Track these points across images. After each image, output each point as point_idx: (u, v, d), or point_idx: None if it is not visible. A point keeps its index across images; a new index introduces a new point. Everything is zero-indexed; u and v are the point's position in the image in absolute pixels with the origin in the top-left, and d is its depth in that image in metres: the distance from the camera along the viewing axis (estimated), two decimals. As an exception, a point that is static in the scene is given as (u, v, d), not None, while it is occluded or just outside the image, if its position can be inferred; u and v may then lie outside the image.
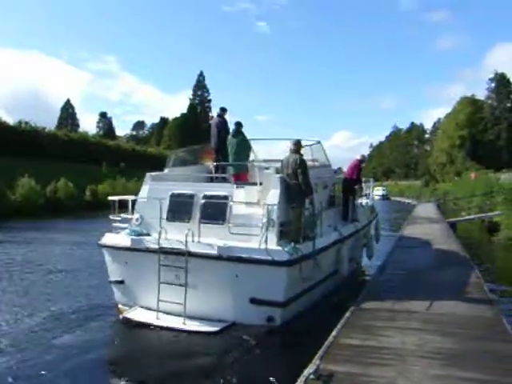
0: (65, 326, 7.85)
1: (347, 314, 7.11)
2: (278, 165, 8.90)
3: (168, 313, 7.82)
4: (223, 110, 10.28)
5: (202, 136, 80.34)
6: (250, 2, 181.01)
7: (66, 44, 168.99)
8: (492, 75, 72.19)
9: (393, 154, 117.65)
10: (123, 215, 9.00)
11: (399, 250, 13.89)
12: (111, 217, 8.94)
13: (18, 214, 27.78)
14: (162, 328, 7.56)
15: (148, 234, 8.54)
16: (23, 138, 41.61)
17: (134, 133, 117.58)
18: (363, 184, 13.74)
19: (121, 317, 8.17)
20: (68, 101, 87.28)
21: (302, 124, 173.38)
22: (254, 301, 7.46)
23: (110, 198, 9.24)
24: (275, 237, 7.73)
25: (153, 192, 8.99)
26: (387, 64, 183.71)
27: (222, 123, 10.10)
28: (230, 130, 10.00)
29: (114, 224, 8.87)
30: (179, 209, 8.75)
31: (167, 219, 8.57)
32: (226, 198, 8.43)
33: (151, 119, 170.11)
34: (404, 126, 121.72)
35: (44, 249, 16.33)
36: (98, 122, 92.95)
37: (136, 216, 8.93)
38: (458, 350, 5.52)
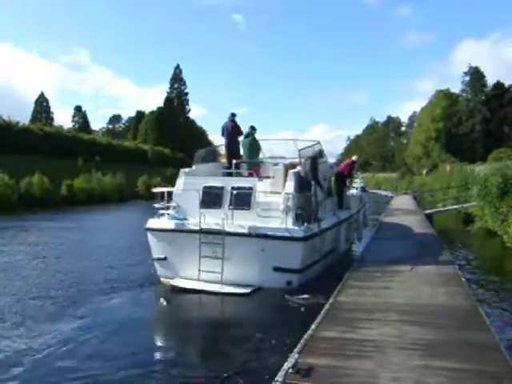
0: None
1: (326, 307, 7.10)
2: (284, 161, 11.13)
3: (206, 281, 9.54)
4: (233, 115, 11.83)
5: (179, 129, 79.88)
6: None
7: (35, 37, 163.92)
8: (466, 69, 73.03)
9: (369, 147, 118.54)
10: (166, 203, 10.79)
11: (376, 242, 14.02)
12: (157, 205, 10.70)
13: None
14: (204, 292, 9.30)
15: (184, 219, 10.21)
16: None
17: (111, 127, 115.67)
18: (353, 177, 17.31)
19: (169, 284, 9.85)
20: (42, 94, 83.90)
21: (279, 117, 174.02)
22: (276, 269, 9.29)
23: (154, 189, 11.34)
24: (291, 219, 9.55)
25: (187, 185, 10.72)
26: (358, 58, 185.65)
27: (233, 126, 11.67)
28: (241, 131, 11.75)
29: (161, 211, 10.58)
30: (211, 198, 10.42)
31: (201, 207, 10.01)
32: (250, 188, 10.25)
33: (127, 113, 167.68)
34: (381, 119, 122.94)
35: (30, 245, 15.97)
36: (74, 116, 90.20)
37: (173, 204, 10.70)
38: (436, 341, 5.56)
